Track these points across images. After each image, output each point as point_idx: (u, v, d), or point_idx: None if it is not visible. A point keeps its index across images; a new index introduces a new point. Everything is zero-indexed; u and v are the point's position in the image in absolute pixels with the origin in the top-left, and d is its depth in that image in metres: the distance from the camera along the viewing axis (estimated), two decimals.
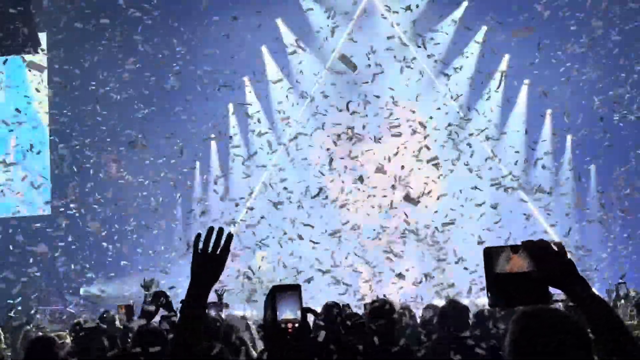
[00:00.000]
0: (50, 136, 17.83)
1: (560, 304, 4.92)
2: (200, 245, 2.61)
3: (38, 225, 16.94)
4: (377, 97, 16.89)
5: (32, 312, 14.36)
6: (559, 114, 17.00)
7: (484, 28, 17.43)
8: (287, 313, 2.66)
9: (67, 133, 17.23)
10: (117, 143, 17.19)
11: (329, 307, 6.11)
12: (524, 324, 2.24)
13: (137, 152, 16.67)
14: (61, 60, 17.04)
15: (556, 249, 2.27)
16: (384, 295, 8.62)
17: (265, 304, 2.76)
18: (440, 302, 10.04)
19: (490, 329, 6.06)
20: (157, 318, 6.03)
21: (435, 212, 16.61)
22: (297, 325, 2.66)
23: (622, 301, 9.92)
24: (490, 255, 2.28)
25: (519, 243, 2.29)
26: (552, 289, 2.28)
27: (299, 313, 2.67)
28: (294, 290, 2.70)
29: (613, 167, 17.14)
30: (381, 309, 5.28)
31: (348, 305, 8.81)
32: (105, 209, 17.03)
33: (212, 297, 7.85)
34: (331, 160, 16.85)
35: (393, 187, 16.89)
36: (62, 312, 15.60)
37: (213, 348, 4.86)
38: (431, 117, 17.15)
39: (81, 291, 17.02)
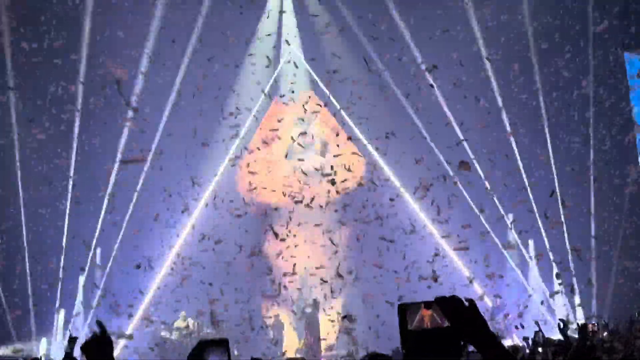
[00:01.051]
0: None
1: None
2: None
3: None
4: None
5: None
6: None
7: None
8: None
9: None
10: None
11: None
12: None
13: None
14: None
15: (468, 305, 2.33)
16: None
17: (190, 357, 2.71)
18: None
19: None
20: None
21: None
22: None
23: (540, 349, 10.13)
24: (404, 311, 2.32)
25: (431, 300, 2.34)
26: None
27: None
28: (222, 345, 2.67)
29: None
30: None
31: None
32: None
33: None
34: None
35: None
36: None
37: None
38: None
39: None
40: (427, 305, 2.32)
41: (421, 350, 2.32)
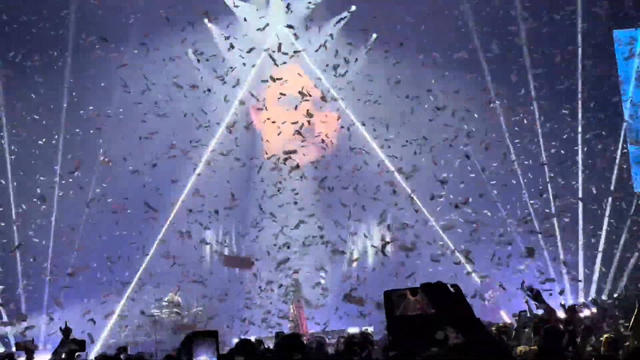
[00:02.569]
0: None
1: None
2: None
3: None
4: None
5: None
6: None
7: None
8: (203, 358, 2.65)
9: None
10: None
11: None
12: None
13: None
14: None
15: (453, 291, 2.34)
16: None
17: (180, 348, 2.74)
18: None
19: None
20: None
21: None
22: None
23: (526, 329, 10.21)
24: (391, 298, 2.34)
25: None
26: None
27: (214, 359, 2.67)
28: (211, 336, 2.70)
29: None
30: (290, 342, 5.30)
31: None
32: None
33: None
34: None
35: None
36: None
37: None
38: None
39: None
40: (413, 291, 2.35)
41: (407, 336, 2.34)
